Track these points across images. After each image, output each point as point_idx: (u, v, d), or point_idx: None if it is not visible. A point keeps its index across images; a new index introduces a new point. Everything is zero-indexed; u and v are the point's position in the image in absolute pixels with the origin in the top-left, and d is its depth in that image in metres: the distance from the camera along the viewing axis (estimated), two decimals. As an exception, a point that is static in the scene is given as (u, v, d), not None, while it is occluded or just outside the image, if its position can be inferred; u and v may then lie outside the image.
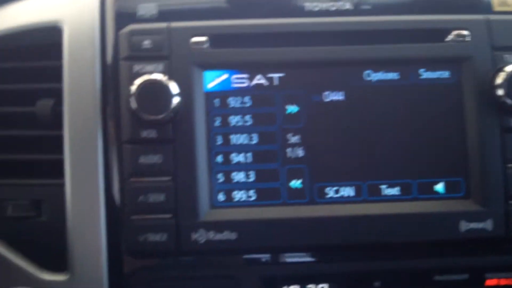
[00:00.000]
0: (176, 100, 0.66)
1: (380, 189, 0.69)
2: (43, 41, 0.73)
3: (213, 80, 0.70)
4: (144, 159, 0.67)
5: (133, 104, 0.66)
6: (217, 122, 0.69)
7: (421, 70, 0.70)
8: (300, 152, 0.69)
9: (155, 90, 0.66)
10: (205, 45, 0.69)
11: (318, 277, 0.70)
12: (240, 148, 0.69)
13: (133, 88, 0.66)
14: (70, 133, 0.69)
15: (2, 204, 0.70)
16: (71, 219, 0.68)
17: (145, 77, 0.66)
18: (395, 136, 0.70)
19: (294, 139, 0.69)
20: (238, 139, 0.69)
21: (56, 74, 0.71)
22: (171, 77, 0.67)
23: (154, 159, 0.67)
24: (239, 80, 0.70)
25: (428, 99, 0.70)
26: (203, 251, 0.68)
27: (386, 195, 0.69)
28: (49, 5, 0.73)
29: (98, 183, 0.68)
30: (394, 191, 0.69)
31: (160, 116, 0.66)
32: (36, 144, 0.71)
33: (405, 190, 0.69)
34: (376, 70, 0.70)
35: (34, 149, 0.71)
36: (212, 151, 0.69)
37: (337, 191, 0.69)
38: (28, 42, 0.73)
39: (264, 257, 0.70)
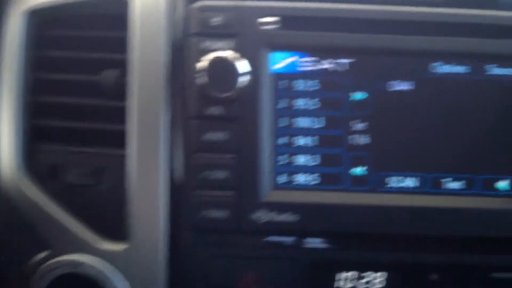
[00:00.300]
0: (243, 79, 0.66)
1: (443, 182, 0.69)
2: (110, 11, 0.72)
3: (281, 61, 0.69)
4: (209, 136, 0.68)
5: (201, 80, 0.66)
6: (283, 104, 0.69)
7: (492, 66, 0.69)
8: (364, 139, 0.69)
9: (224, 68, 0.66)
10: (274, 26, 0.69)
11: (375, 265, 0.70)
12: (304, 132, 0.69)
13: (202, 64, 0.66)
14: (135, 104, 0.69)
15: (63, 170, 0.71)
16: (132, 190, 0.68)
17: (214, 54, 0.66)
18: (461, 130, 0.69)
19: (359, 126, 0.69)
20: (302, 122, 0.69)
21: (122, 45, 0.71)
22: (239, 56, 0.67)
23: (219, 136, 0.68)
24: (307, 63, 0.69)
25: (497, 95, 0.69)
26: (263, 231, 0.68)
27: (448, 189, 0.69)
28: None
29: (161, 156, 0.68)
30: (457, 185, 0.69)
31: (227, 94, 0.67)
32: (99, 113, 0.72)
33: (468, 185, 0.69)
34: (446, 63, 0.69)
35: (96, 118, 0.72)
36: (276, 132, 0.69)
37: (399, 181, 0.69)
38: (97, 11, 0.73)
39: (323, 241, 0.69)
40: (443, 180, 0.69)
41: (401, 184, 0.69)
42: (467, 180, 0.69)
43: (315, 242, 0.69)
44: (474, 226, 0.67)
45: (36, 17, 0.73)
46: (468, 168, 0.69)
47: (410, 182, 0.69)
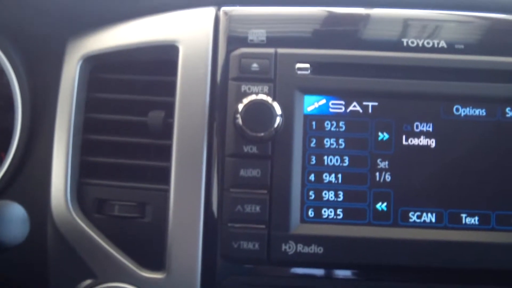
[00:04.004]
0: (278, 120, 0.72)
1: (460, 218, 0.74)
2: (159, 58, 0.78)
3: (312, 104, 0.75)
4: (244, 172, 0.73)
5: (239, 121, 0.72)
6: (313, 143, 0.75)
7: (508, 109, 0.75)
8: (387, 177, 0.74)
9: (260, 110, 0.72)
10: (308, 71, 0.75)
11: None
12: (332, 169, 0.74)
13: (240, 106, 0.72)
14: (178, 143, 0.74)
15: (110, 203, 0.76)
16: (172, 222, 0.73)
17: (252, 97, 0.72)
18: (478, 169, 0.74)
19: (383, 164, 0.74)
20: (330, 160, 0.75)
21: (168, 88, 0.76)
22: (274, 99, 0.73)
23: (253, 173, 0.73)
24: (336, 105, 0.75)
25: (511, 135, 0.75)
26: (291, 262, 0.73)
27: (466, 224, 0.74)
28: (167, 26, 0.79)
29: (200, 191, 0.74)
30: (474, 220, 0.74)
31: (262, 134, 0.72)
32: (143, 151, 0.77)
33: (484, 220, 0.74)
34: (464, 106, 0.75)
35: (141, 155, 0.77)
36: (306, 169, 0.74)
37: (419, 216, 0.74)
38: (145, 58, 0.79)
39: (347, 272, 0.75)
40: (460, 215, 0.74)
41: (421, 219, 0.74)
42: (483, 215, 0.74)
43: (339, 273, 0.75)
44: (490, 259, 0.72)
45: (90, 63, 0.79)
46: (484, 204, 0.74)
47: (429, 217, 0.74)
